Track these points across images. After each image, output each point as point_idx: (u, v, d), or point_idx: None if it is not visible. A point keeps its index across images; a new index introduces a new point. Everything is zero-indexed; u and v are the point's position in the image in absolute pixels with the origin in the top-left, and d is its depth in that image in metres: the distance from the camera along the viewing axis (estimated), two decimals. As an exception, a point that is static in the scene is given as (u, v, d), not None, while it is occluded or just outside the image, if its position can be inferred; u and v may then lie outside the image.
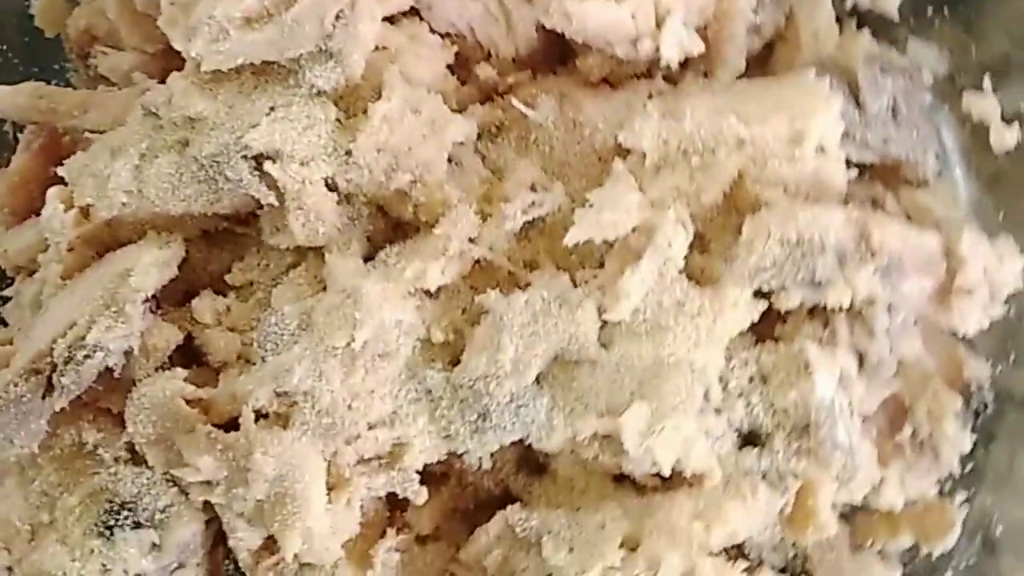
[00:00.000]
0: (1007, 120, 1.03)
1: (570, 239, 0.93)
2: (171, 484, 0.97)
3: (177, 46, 0.94)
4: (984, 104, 1.05)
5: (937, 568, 1.04)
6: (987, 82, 1.04)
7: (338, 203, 0.95)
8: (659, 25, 0.96)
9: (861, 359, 0.96)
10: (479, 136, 1.01)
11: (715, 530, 0.90)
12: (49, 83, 1.14)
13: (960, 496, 1.04)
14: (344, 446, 0.93)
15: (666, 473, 0.91)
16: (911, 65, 1.05)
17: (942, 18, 1.08)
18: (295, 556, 0.94)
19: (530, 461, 1.01)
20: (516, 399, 0.92)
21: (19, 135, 1.12)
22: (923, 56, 1.09)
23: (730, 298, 0.93)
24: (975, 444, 1.03)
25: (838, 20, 1.07)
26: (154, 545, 0.96)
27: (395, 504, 1.01)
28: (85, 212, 0.99)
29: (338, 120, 0.94)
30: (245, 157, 0.92)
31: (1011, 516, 1.02)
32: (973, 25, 1.06)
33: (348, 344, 0.91)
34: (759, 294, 0.94)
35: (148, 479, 0.97)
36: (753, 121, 0.96)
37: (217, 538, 1.00)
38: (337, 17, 0.90)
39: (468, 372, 0.92)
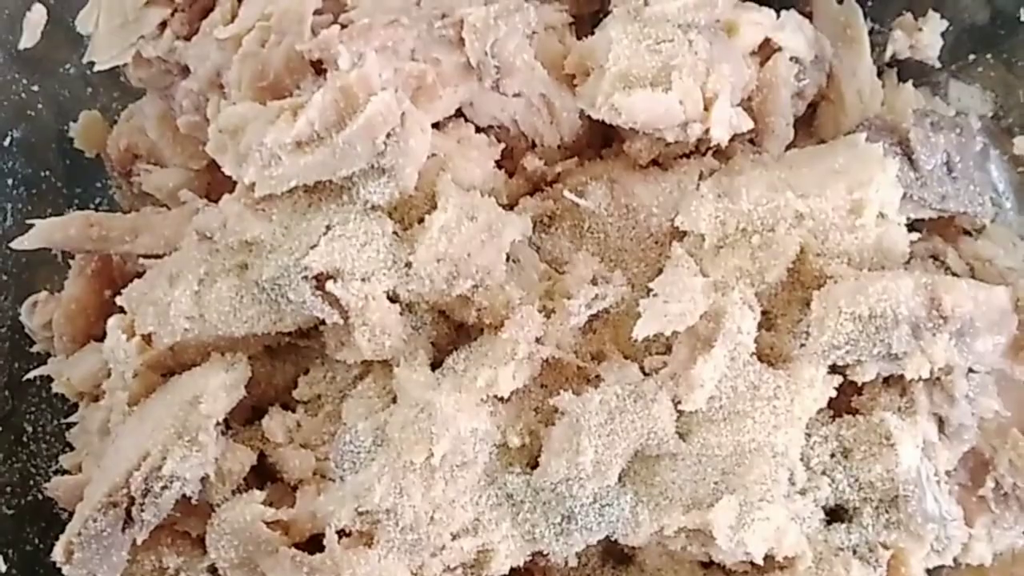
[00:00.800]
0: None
1: (639, 332, 0.92)
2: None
3: (228, 171, 0.95)
4: (1038, 144, 1.05)
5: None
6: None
7: (401, 313, 0.96)
8: (707, 107, 0.96)
9: (941, 422, 0.96)
10: (534, 229, 1.01)
11: (813, 615, 0.89)
12: (93, 201, 1.16)
13: (1048, 546, 1.02)
14: (430, 559, 0.94)
15: (758, 561, 0.91)
16: (960, 116, 1.04)
17: (983, 59, 1.09)
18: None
19: (615, 552, 1.01)
20: (600, 499, 0.92)
21: (69, 260, 1.12)
22: (966, 99, 1.09)
23: (806, 377, 0.93)
24: (1059, 492, 1.01)
25: (879, 73, 1.08)
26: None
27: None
28: (147, 339, 0.99)
29: (395, 233, 0.94)
30: (306, 278, 0.92)
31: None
32: (1015, 64, 1.06)
33: (427, 458, 0.91)
34: (834, 369, 0.94)
35: (238, 601, 0.97)
36: (810, 194, 0.96)
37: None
38: (388, 135, 0.90)
39: (548, 476, 0.92)
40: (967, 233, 1.06)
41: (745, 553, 0.90)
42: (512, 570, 0.97)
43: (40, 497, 1.12)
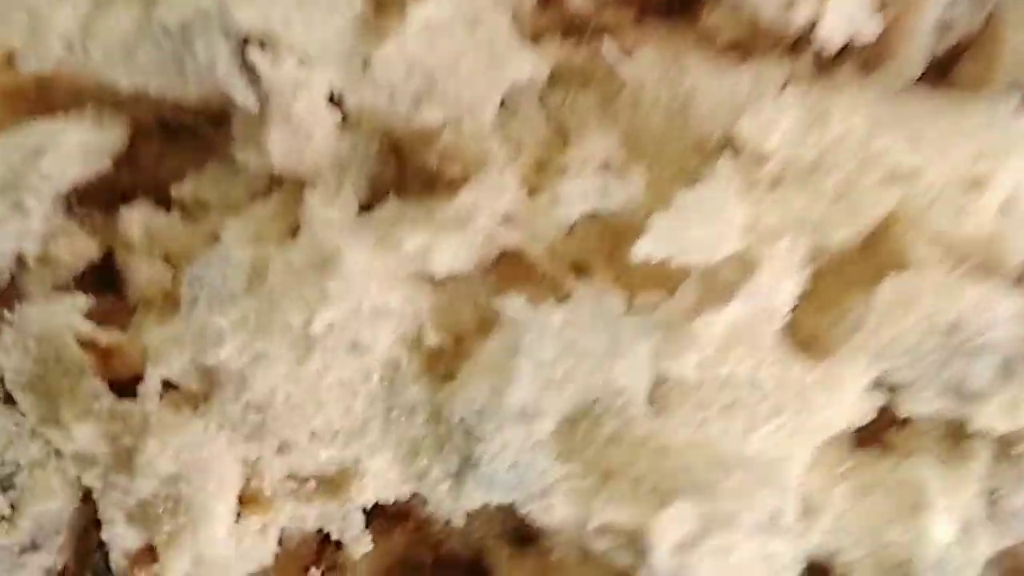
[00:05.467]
0: None
1: (639, 252, 0.67)
2: (46, 440, 0.74)
3: None
4: None
5: None
6: None
7: (339, 125, 0.72)
8: (828, -10, 0.70)
9: (992, 501, 0.72)
10: (549, 80, 0.76)
11: None
12: None
13: None
14: (272, 455, 0.70)
15: None
16: None
17: None
18: (174, 573, 0.71)
19: (518, 528, 0.77)
20: (516, 452, 0.67)
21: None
22: None
23: (841, 381, 0.68)
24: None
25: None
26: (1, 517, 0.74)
27: (329, 537, 0.77)
28: (9, 58, 0.76)
29: (366, 15, 0.70)
30: (227, 34, 0.68)
31: None
32: None
33: (305, 324, 0.67)
34: (880, 385, 0.69)
35: (17, 426, 0.74)
36: (923, 148, 0.71)
37: (93, 523, 0.77)
38: None
39: (461, 400, 0.68)
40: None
41: (683, 586, 0.66)
42: (378, 507, 0.74)
43: None
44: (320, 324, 0.67)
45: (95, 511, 0.75)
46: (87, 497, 0.75)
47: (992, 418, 0.68)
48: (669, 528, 0.65)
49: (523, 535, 0.76)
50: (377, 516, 0.76)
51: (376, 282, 0.67)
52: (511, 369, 0.66)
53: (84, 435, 0.70)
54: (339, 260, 0.67)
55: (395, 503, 0.74)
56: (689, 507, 0.65)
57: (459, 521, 0.72)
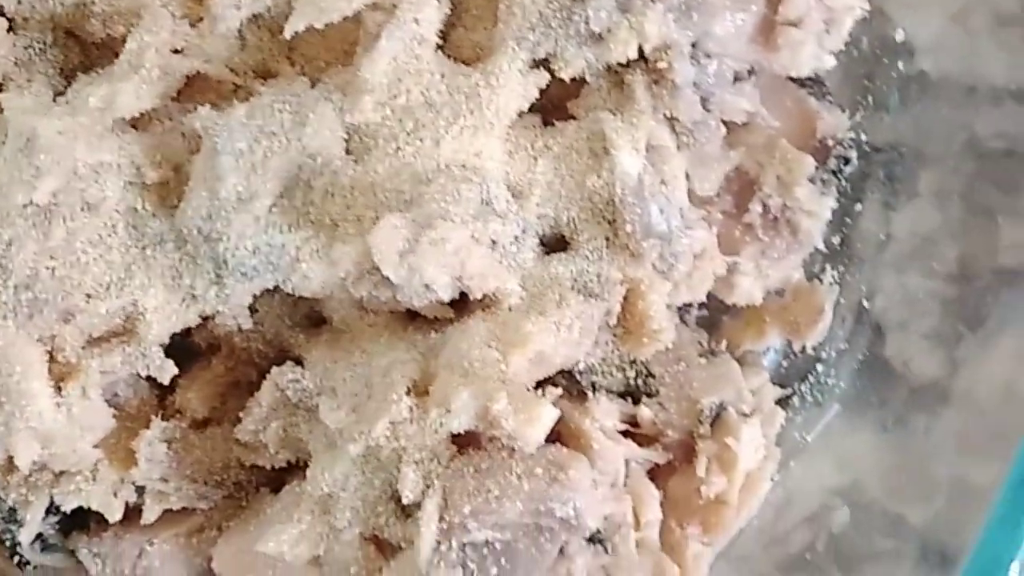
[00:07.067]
0: None
1: (288, 29, 0.74)
2: None
3: None
4: None
5: (812, 361, 0.88)
6: None
7: (10, 31, 0.78)
8: None
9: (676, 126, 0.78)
10: None
11: (513, 355, 0.73)
12: None
13: (829, 275, 0.88)
14: (62, 325, 0.76)
15: (444, 297, 0.74)
16: None
17: None
18: (38, 465, 0.79)
19: (307, 315, 0.84)
20: (253, 238, 0.74)
21: None
22: None
23: (499, 73, 0.75)
24: (839, 211, 0.86)
25: None
26: None
27: (165, 389, 0.84)
28: None
29: None
30: None
31: (892, 287, 0.86)
32: None
33: (33, 200, 0.74)
34: (537, 65, 0.76)
35: None
36: None
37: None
38: None
39: (191, 213, 0.74)
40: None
41: (425, 287, 0.73)
42: (192, 342, 0.83)
43: None
44: (43, 194, 0.73)
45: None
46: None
47: (624, 47, 0.74)
48: (386, 240, 0.71)
49: (312, 319, 0.84)
50: (196, 357, 0.84)
51: (81, 144, 0.74)
52: (216, 168, 0.73)
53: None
54: (38, 136, 0.73)
55: (199, 332, 0.82)
56: (397, 218, 0.72)
57: (245, 322, 0.80)
